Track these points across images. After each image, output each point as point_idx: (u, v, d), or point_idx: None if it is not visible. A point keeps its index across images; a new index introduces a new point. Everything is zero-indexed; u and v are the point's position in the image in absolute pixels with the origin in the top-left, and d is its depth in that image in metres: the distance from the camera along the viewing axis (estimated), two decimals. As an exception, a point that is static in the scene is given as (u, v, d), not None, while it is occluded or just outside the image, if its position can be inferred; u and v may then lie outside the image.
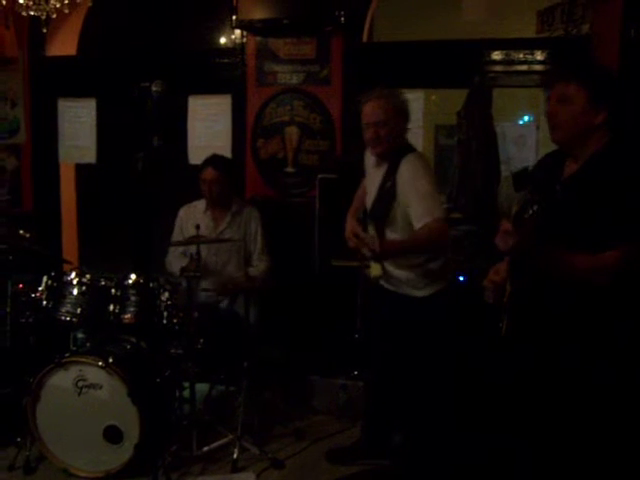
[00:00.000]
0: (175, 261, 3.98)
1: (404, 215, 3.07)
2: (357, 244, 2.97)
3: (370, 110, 3.15)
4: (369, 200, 3.27)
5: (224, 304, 3.99)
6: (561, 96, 2.25)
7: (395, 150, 3.14)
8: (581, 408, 2.26)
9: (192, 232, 3.72)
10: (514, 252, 2.21)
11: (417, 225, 2.98)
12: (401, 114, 3.15)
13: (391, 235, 3.14)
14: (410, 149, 3.17)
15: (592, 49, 3.81)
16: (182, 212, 4.20)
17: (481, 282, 2.55)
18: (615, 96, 2.27)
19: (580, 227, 2.20)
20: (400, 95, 3.19)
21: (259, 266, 4.05)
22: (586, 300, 2.21)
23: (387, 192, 3.12)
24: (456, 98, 4.37)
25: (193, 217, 4.07)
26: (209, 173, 3.99)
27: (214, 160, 4.06)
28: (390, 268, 3.20)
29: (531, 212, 2.10)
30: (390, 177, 3.11)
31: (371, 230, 3.15)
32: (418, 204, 2.98)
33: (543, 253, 2.21)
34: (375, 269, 3.17)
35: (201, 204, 4.14)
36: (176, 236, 4.12)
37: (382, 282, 3.27)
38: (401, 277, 3.19)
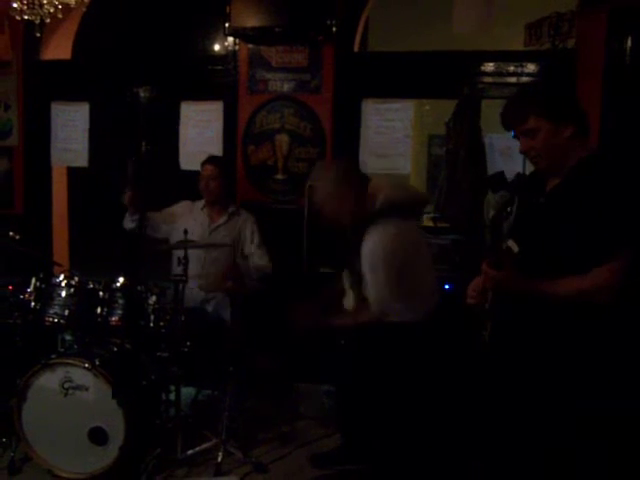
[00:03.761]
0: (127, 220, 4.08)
1: None
2: None
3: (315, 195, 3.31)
4: None
5: (210, 307, 4.02)
6: (526, 132, 2.29)
7: (360, 221, 3.18)
8: (562, 418, 2.27)
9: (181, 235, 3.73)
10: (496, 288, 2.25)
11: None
12: (342, 185, 3.18)
13: None
14: (374, 218, 3.15)
15: (577, 62, 3.87)
16: (183, 203, 4.27)
17: (466, 291, 2.59)
18: (573, 107, 2.31)
19: (566, 239, 2.21)
20: (337, 167, 3.29)
21: (262, 259, 4.07)
22: (570, 307, 2.23)
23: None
24: (450, 108, 4.41)
25: (191, 212, 4.16)
26: (207, 169, 4.10)
27: (213, 158, 4.19)
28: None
29: (509, 210, 2.13)
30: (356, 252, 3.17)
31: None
32: (371, 289, 3.11)
33: (528, 288, 2.25)
34: (348, 300, 3.33)
35: (201, 203, 4.21)
36: (165, 210, 4.22)
37: None
38: None
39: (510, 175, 4.07)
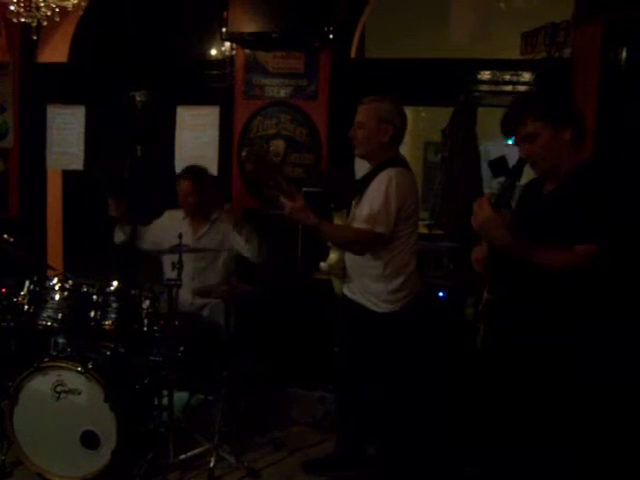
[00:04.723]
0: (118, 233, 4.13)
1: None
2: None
3: (357, 111, 3.23)
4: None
5: (205, 312, 4.02)
6: (525, 137, 2.31)
7: (380, 161, 3.17)
8: (563, 416, 2.29)
9: (173, 240, 3.71)
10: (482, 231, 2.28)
11: (356, 224, 3.11)
12: (384, 122, 3.14)
13: None
14: (395, 163, 3.15)
15: (573, 72, 3.88)
16: (166, 215, 4.26)
17: (460, 299, 2.60)
18: (571, 110, 2.34)
19: (556, 234, 2.25)
20: (389, 104, 3.18)
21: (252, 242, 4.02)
22: (563, 305, 2.25)
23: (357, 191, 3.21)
24: (446, 115, 4.42)
25: (173, 223, 4.12)
26: (183, 185, 4.06)
27: (188, 171, 4.13)
28: (352, 273, 3.27)
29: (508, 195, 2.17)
30: (366, 186, 3.17)
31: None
32: (367, 210, 3.07)
33: (512, 243, 2.26)
34: (332, 258, 3.31)
35: (181, 213, 4.19)
36: (152, 224, 4.23)
37: (347, 292, 3.33)
38: (359, 287, 3.25)
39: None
